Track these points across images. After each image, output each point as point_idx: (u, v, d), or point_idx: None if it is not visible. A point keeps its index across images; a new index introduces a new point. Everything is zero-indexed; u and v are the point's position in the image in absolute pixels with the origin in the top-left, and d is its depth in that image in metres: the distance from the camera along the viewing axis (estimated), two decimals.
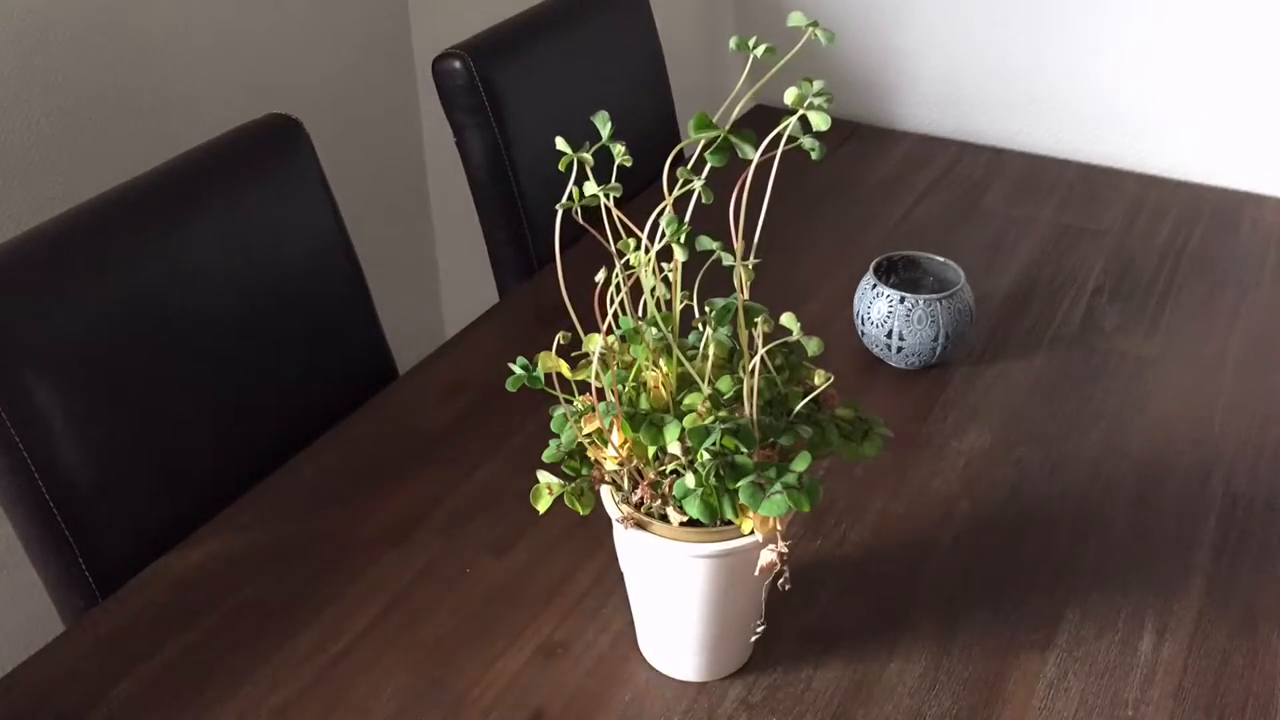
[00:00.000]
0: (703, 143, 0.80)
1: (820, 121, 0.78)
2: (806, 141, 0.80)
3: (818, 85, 0.80)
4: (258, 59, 1.91)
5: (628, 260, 0.85)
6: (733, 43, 0.83)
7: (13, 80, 1.56)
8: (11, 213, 1.58)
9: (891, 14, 1.88)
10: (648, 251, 0.85)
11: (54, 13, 1.59)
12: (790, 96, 0.80)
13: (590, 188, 0.84)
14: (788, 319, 0.82)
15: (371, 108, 2.19)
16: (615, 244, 0.85)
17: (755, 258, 0.87)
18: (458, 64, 1.51)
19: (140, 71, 1.72)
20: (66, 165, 1.64)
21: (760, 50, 0.82)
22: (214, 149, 1.27)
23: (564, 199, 0.84)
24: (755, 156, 0.79)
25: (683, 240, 0.83)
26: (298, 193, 1.31)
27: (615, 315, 0.86)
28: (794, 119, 0.80)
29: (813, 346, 0.83)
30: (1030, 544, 1.08)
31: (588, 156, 0.85)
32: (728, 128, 0.79)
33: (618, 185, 0.84)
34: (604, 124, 0.85)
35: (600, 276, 0.84)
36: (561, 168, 0.85)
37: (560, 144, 0.86)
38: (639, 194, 1.54)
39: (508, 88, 1.55)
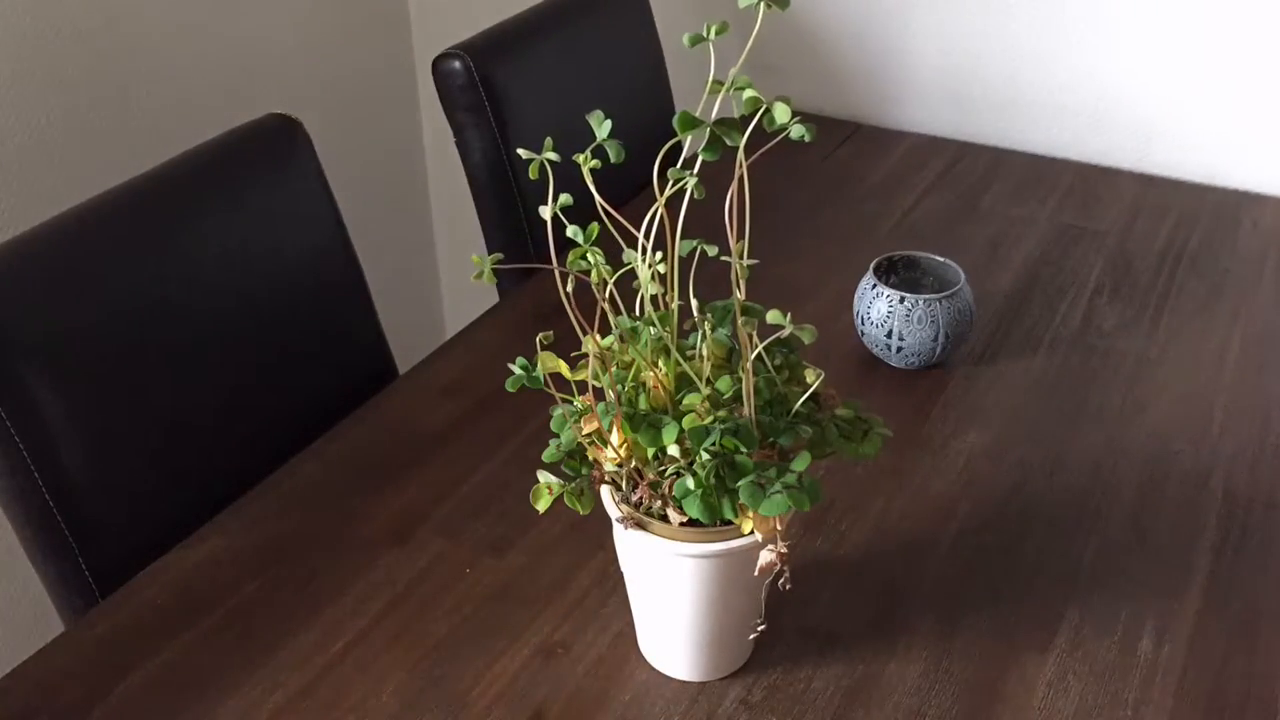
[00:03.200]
0: (690, 140, 0.80)
1: (781, 114, 0.78)
2: (795, 130, 0.80)
3: (732, 72, 0.79)
4: (258, 59, 1.91)
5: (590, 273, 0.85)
6: (686, 39, 0.82)
7: (13, 80, 1.56)
8: (11, 213, 1.58)
9: (892, 14, 1.88)
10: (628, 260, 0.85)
11: (54, 12, 1.59)
12: (746, 99, 0.79)
13: (544, 211, 0.84)
14: (774, 315, 0.82)
15: (371, 108, 2.19)
16: (568, 259, 0.85)
17: (752, 257, 0.87)
18: (458, 64, 1.51)
19: (140, 71, 1.72)
20: (67, 165, 1.64)
21: (713, 32, 0.81)
22: (214, 149, 1.27)
23: (550, 207, 0.85)
24: (742, 142, 0.79)
25: (594, 259, 0.83)
26: (297, 193, 1.31)
27: (607, 319, 0.85)
28: (759, 116, 0.79)
29: (807, 335, 0.82)
30: (1030, 544, 1.08)
31: (554, 155, 0.84)
32: (712, 120, 0.79)
33: (568, 196, 0.83)
34: (599, 124, 0.84)
35: (570, 287, 0.84)
36: (533, 175, 0.85)
37: (523, 152, 0.85)
38: (638, 194, 1.54)
39: (508, 88, 1.55)
